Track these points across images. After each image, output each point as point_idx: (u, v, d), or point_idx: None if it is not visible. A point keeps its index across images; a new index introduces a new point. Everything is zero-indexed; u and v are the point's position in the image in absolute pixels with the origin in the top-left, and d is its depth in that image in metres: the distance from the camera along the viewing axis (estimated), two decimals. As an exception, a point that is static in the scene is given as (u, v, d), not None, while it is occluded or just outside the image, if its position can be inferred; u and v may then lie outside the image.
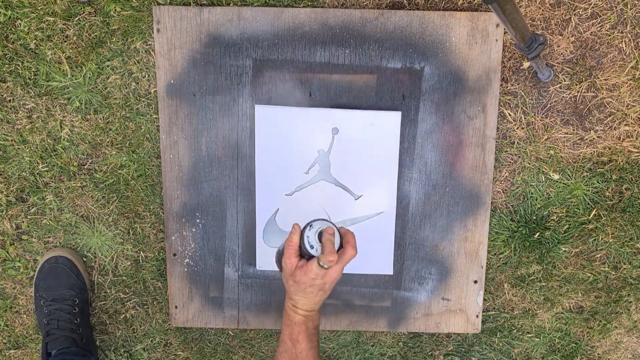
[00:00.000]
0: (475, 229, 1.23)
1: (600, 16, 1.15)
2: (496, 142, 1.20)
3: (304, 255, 0.91)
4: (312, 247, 0.89)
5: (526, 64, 1.18)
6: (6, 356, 1.35)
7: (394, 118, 1.16)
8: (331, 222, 0.92)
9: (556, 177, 1.22)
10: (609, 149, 1.21)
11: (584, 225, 1.25)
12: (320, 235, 0.89)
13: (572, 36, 1.16)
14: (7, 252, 1.28)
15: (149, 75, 1.19)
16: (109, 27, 1.16)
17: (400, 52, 1.15)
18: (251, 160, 1.20)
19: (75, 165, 1.23)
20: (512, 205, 1.25)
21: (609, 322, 1.32)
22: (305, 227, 0.91)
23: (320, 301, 0.93)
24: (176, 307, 1.27)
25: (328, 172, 1.18)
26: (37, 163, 1.23)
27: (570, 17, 1.15)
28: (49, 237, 1.27)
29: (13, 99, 1.21)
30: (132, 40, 1.17)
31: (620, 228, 1.25)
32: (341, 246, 0.90)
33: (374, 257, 1.22)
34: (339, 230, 0.91)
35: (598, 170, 1.22)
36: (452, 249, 1.24)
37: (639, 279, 1.29)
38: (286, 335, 0.94)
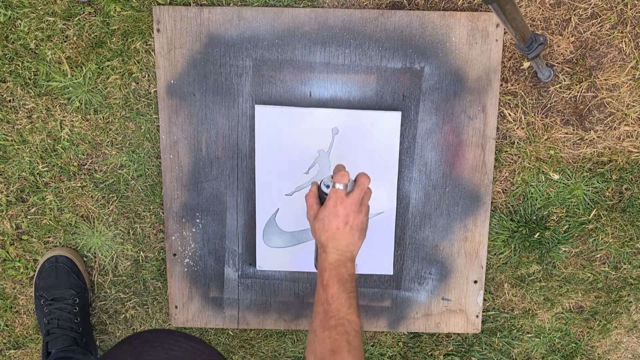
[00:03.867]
0: (475, 229, 1.23)
1: (600, 16, 1.15)
2: (496, 142, 1.20)
3: (324, 202, 0.94)
4: (327, 186, 0.93)
5: (526, 64, 1.18)
6: (6, 356, 1.35)
7: (394, 118, 1.16)
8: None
9: (556, 177, 1.22)
10: (609, 149, 1.21)
11: (584, 225, 1.25)
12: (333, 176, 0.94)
13: (572, 36, 1.16)
14: (7, 252, 1.28)
15: (149, 75, 1.19)
16: (109, 27, 1.16)
17: (400, 52, 1.15)
18: (251, 160, 1.20)
19: (75, 165, 1.23)
20: (512, 205, 1.25)
21: (609, 322, 1.32)
22: (321, 180, 0.97)
23: (350, 244, 0.90)
24: (176, 307, 1.27)
25: (328, 172, 1.18)
26: (37, 163, 1.23)
27: (570, 17, 1.15)
28: (49, 237, 1.27)
29: (13, 99, 1.21)
30: (132, 40, 1.17)
31: (620, 228, 1.25)
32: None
33: (374, 257, 1.22)
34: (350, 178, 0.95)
35: (598, 170, 1.22)
36: (452, 249, 1.24)
37: (639, 279, 1.29)
38: (318, 283, 0.90)
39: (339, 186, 0.89)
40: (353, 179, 0.95)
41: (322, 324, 0.84)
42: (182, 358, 0.68)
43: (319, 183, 0.96)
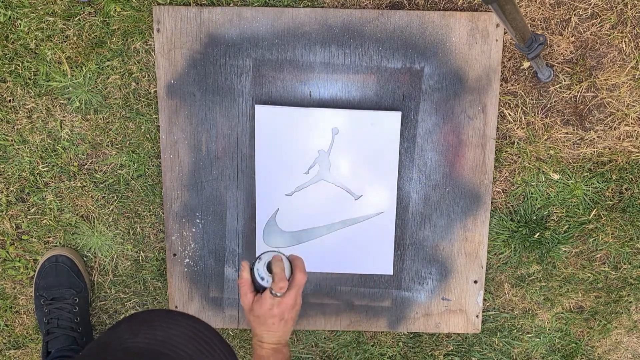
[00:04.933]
0: (475, 229, 1.23)
1: (600, 16, 1.15)
2: (496, 142, 1.20)
3: (258, 289, 0.92)
4: (262, 278, 0.90)
5: (526, 64, 1.18)
6: (6, 356, 1.35)
7: (394, 118, 1.16)
8: (279, 252, 0.93)
9: (556, 177, 1.22)
10: (609, 149, 1.21)
11: (584, 225, 1.25)
12: (269, 266, 0.91)
13: (572, 36, 1.16)
14: (7, 252, 1.28)
15: (149, 75, 1.19)
16: (109, 27, 1.16)
17: (400, 52, 1.15)
18: (251, 160, 1.20)
19: (75, 165, 1.23)
20: (512, 205, 1.25)
21: (609, 322, 1.32)
22: (254, 262, 0.93)
23: (284, 333, 0.93)
24: (176, 307, 1.27)
25: (328, 172, 1.18)
26: (37, 163, 1.23)
27: (570, 17, 1.15)
28: (49, 237, 1.27)
29: (13, 99, 1.21)
30: (132, 40, 1.17)
31: (620, 228, 1.25)
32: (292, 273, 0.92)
33: (374, 257, 1.22)
34: (287, 258, 0.93)
35: (598, 170, 1.22)
36: (452, 249, 1.24)
37: (639, 279, 1.29)
38: None
39: (277, 294, 0.90)
40: (287, 255, 0.94)
41: None
42: (180, 336, 0.68)
43: (250, 267, 0.93)
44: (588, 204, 1.24)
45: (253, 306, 0.92)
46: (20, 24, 1.16)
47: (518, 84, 1.19)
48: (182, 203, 1.22)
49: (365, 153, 1.17)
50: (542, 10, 1.15)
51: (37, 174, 1.24)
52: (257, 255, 0.93)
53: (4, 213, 1.26)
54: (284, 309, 0.91)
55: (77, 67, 1.18)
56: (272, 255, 0.92)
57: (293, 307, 0.92)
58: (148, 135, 1.21)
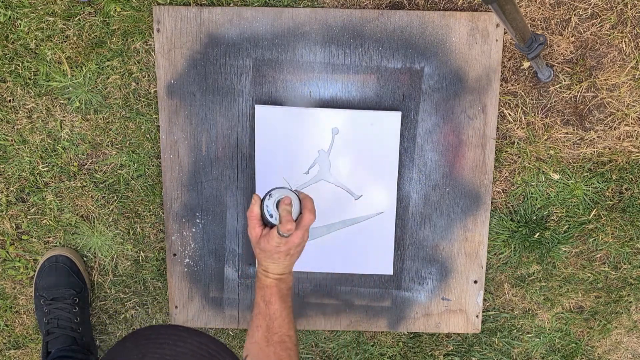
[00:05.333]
0: (475, 229, 1.23)
1: (600, 16, 1.15)
2: (496, 142, 1.20)
3: (266, 224, 0.93)
4: (271, 216, 0.91)
5: (526, 64, 1.18)
6: (6, 356, 1.35)
7: (394, 118, 1.16)
8: (290, 189, 0.94)
9: (556, 177, 1.22)
10: (609, 149, 1.21)
11: (584, 225, 1.25)
12: (278, 204, 0.92)
13: (572, 36, 1.16)
14: (7, 252, 1.28)
15: (149, 75, 1.19)
16: (109, 27, 1.16)
17: (400, 52, 1.15)
18: (251, 160, 1.20)
19: (75, 165, 1.23)
20: (512, 205, 1.25)
21: (609, 322, 1.32)
22: (265, 197, 0.93)
23: (289, 265, 0.95)
24: (176, 307, 1.27)
25: (328, 172, 1.18)
26: (37, 163, 1.23)
27: (570, 17, 1.15)
28: (49, 237, 1.27)
29: (13, 99, 1.21)
30: (132, 40, 1.17)
31: (620, 228, 1.25)
32: (301, 212, 0.93)
33: (374, 257, 1.22)
34: (298, 197, 0.94)
35: (598, 170, 1.22)
36: (452, 249, 1.24)
37: (639, 279, 1.29)
38: (259, 297, 0.95)
39: (284, 234, 0.91)
40: (297, 194, 0.94)
41: (266, 338, 0.92)
42: (188, 353, 0.68)
43: (261, 201, 0.92)
44: (588, 204, 1.24)
45: (260, 240, 0.93)
46: (20, 24, 1.16)
47: (518, 84, 1.19)
48: (182, 203, 1.22)
49: (365, 153, 1.17)
50: (542, 10, 1.15)
51: (37, 174, 1.24)
52: (268, 191, 0.93)
53: (4, 213, 1.26)
54: (290, 246, 0.92)
55: (77, 67, 1.18)
56: (284, 194, 0.92)
57: (299, 244, 0.93)
58: (148, 135, 1.21)
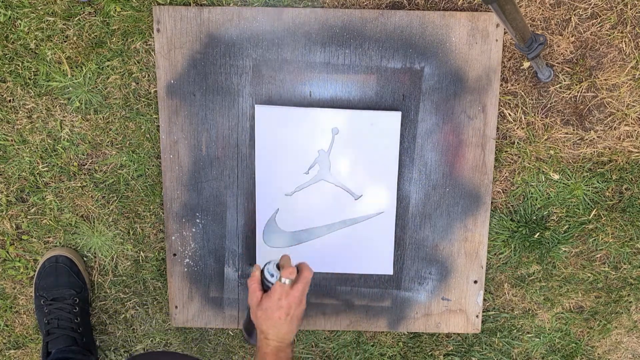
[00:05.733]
0: (475, 229, 1.23)
1: (600, 16, 1.15)
2: (496, 142, 1.20)
3: (266, 289, 0.97)
4: (272, 275, 0.95)
5: (526, 64, 1.18)
6: (6, 356, 1.35)
7: (394, 118, 1.16)
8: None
9: (556, 177, 1.22)
10: (609, 149, 1.21)
11: (584, 225, 1.25)
12: (278, 265, 0.97)
13: (572, 36, 1.16)
14: (7, 252, 1.28)
15: (149, 75, 1.19)
16: (109, 27, 1.16)
17: (400, 52, 1.15)
18: (251, 160, 1.20)
19: (75, 165, 1.23)
20: (512, 205, 1.25)
21: (609, 322, 1.32)
22: (264, 265, 0.98)
23: (289, 332, 0.95)
24: (176, 307, 1.27)
25: (328, 172, 1.18)
26: (37, 163, 1.23)
27: (570, 17, 1.15)
28: (49, 237, 1.27)
29: (13, 99, 1.21)
30: (132, 40, 1.17)
31: (620, 228, 1.25)
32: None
33: (374, 257, 1.22)
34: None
35: (598, 170, 1.22)
36: (452, 249, 1.24)
37: (639, 279, 1.29)
38: None
39: (286, 281, 0.94)
40: (295, 266, 0.99)
41: None
42: None
43: (261, 268, 0.98)
44: (588, 204, 1.24)
45: (262, 300, 0.95)
46: (20, 24, 1.16)
47: (518, 84, 1.19)
48: (182, 203, 1.22)
49: (365, 153, 1.17)
50: (542, 10, 1.15)
51: (37, 174, 1.24)
52: (266, 262, 0.99)
53: (4, 213, 1.26)
54: (291, 302, 0.93)
55: (77, 67, 1.18)
56: (281, 255, 0.99)
57: (299, 303, 0.94)
58: (148, 135, 1.21)
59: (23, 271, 1.29)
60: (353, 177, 1.19)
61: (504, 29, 1.14)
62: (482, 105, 1.17)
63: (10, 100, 1.21)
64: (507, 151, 1.21)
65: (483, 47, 1.15)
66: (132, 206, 1.25)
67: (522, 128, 1.20)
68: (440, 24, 1.14)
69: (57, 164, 1.23)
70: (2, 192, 1.25)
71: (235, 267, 1.25)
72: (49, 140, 1.22)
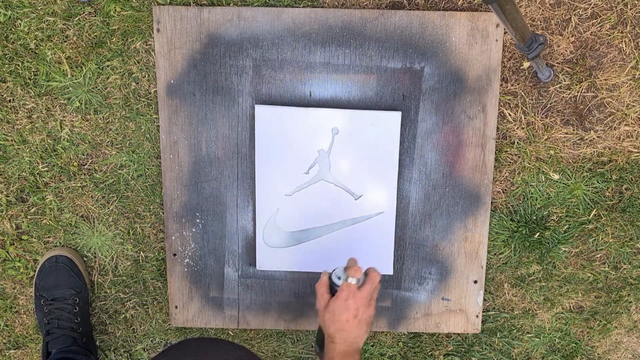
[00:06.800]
0: (475, 229, 1.23)
1: (600, 16, 1.15)
2: (496, 142, 1.20)
3: (333, 292, 0.96)
4: (339, 278, 0.95)
5: (526, 64, 1.18)
6: (6, 356, 1.35)
7: (394, 118, 1.16)
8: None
9: (556, 177, 1.22)
10: (609, 149, 1.21)
11: (584, 225, 1.25)
12: (345, 270, 0.97)
13: (572, 36, 1.16)
14: (7, 252, 1.28)
15: (149, 75, 1.19)
16: (109, 27, 1.16)
17: (400, 52, 1.15)
18: (251, 160, 1.20)
19: (75, 165, 1.23)
20: (512, 205, 1.25)
21: (609, 322, 1.32)
22: (332, 270, 0.98)
23: (357, 336, 0.92)
24: (176, 307, 1.27)
25: (328, 172, 1.18)
26: (37, 163, 1.23)
27: (570, 17, 1.15)
28: (49, 237, 1.27)
29: (13, 99, 1.21)
30: (132, 40, 1.17)
31: (620, 228, 1.25)
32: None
33: (374, 257, 1.22)
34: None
35: (598, 170, 1.22)
36: (452, 249, 1.24)
37: (639, 279, 1.29)
38: None
39: (352, 280, 0.92)
40: (364, 271, 0.98)
41: None
42: None
43: (329, 273, 0.97)
44: (588, 204, 1.24)
45: (329, 303, 0.93)
46: (20, 24, 1.16)
47: (518, 84, 1.19)
48: (182, 203, 1.22)
49: (365, 153, 1.17)
50: (542, 10, 1.15)
51: (37, 174, 1.24)
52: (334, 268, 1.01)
53: (4, 213, 1.26)
54: (359, 303, 0.91)
55: (77, 67, 1.18)
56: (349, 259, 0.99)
57: (368, 305, 0.93)
58: (148, 135, 1.21)
59: (23, 271, 1.29)
60: (353, 177, 1.19)
61: (504, 29, 1.14)
62: (482, 105, 1.17)
63: (10, 100, 1.21)
64: (507, 151, 1.21)
65: (483, 47, 1.15)
66: (132, 206, 1.25)
67: (522, 128, 1.20)
68: (440, 24, 1.14)
69: (57, 164, 1.23)
70: (2, 192, 1.25)
71: (235, 267, 1.25)
72: (49, 140, 1.22)
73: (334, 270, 0.97)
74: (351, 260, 0.97)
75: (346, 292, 0.92)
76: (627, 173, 1.22)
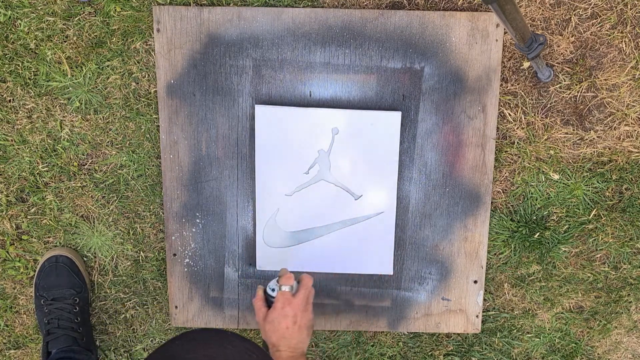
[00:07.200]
0: (475, 229, 1.23)
1: (600, 16, 1.15)
2: (496, 142, 1.20)
3: (270, 305, 1.00)
4: (273, 289, 0.99)
5: (526, 64, 1.18)
6: (6, 356, 1.35)
7: (394, 118, 1.16)
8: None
9: (556, 177, 1.22)
10: (609, 149, 1.21)
11: (584, 225, 1.25)
12: (277, 281, 1.01)
13: (572, 36, 1.16)
14: (7, 252, 1.28)
15: (149, 75, 1.19)
16: (109, 27, 1.16)
17: (400, 52, 1.15)
18: (251, 160, 1.20)
19: (75, 165, 1.23)
20: (512, 205, 1.25)
21: (609, 322, 1.32)
22: (266, 285, 1.02)
23: (299, 341, 0.94)
24: (176, 307, 1.27)
25: (328, 172, 1.18)
26: (37, 163, 1.23)
27: (570, 17, 1.15)
28: (49, 237, 1.27)
29: (13, 99, 1.21)
30: (132, 40, 1.17)
31: (620, 228, 1.25)
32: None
33: (374, 257, 1.22)
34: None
35: (598, 170, 1.22)
36: (452, 249, 1.24)
37: (639, 279, 1.29)
38: None
39: (285, 288, 0.96)
40: (297, 280, 1.01)
41: None
42: (235, 355, 0.69)
43: (264, 287, 1.01)
44: (588, 204, 1.24)
45: (267, 314, 0.96)
46: (20, 24, 1.16)
47: (518, 84, 1.19)
48: (182, 203, 1.22)
49: (365, 153, 1.17)
50: (542, 10, 1.15)
51: (37, 174, 1.24)
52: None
53: (4, 213, 1.26)
54: (296, 309, 0.94)
55: (77, 67, 1.18)
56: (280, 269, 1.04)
57: (304, 310, 0.95)
58: (148, 135, 1.21)
59: (23, 271, 1.29)
60: (353, 177, 1.19)
61: (504, 29, 1.14)
62: (482, 105, 1.17)
63: (10, 100, 1.21)
64: (507, 151, 1.21)
65: (483, 47, 1.15)
66: (132, 206, 1.25)
67: (522, 128, 1.20)
68: (440, 24, 1.14)
69: (57, 164, 1.23)
70: (2, 192, 1.25)
71: (235, 267, 1.25)
72: (49, 140, 1.22)
73: (267, 284, 1.00)
74: (282, 270, 1.00)
75: (282, 301, 0.94)
76: (627, 173, 1.22)
